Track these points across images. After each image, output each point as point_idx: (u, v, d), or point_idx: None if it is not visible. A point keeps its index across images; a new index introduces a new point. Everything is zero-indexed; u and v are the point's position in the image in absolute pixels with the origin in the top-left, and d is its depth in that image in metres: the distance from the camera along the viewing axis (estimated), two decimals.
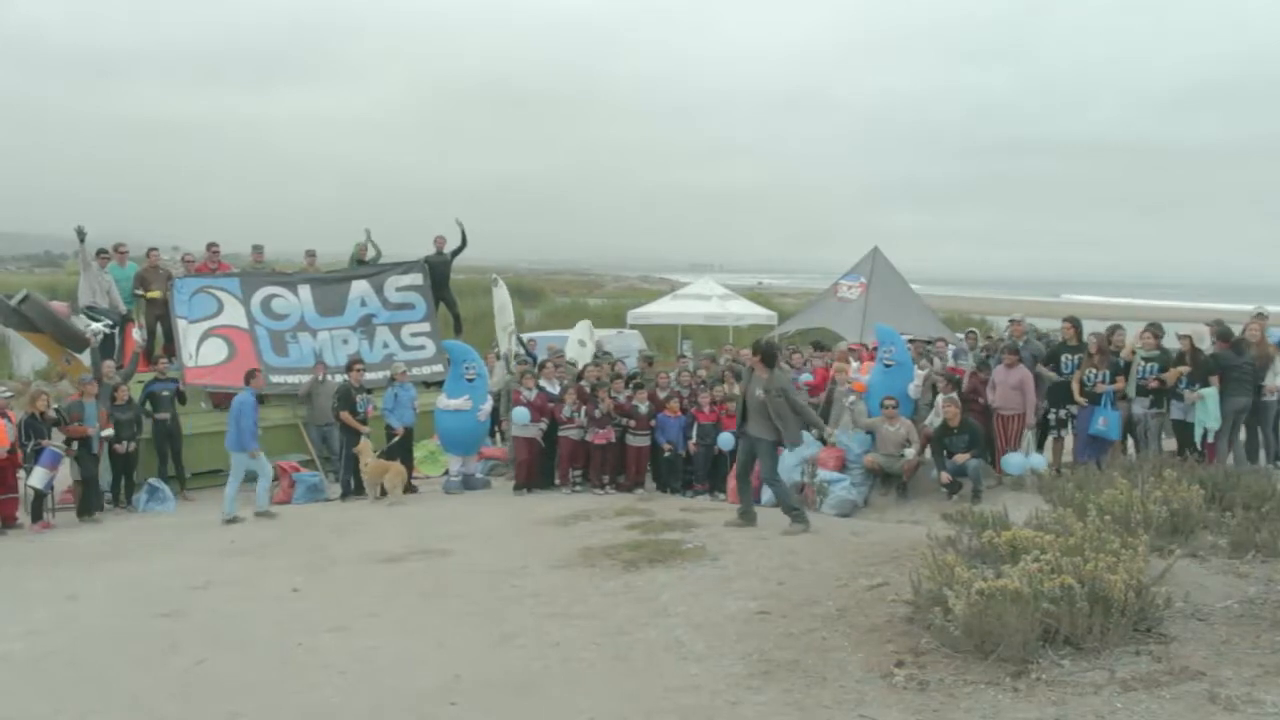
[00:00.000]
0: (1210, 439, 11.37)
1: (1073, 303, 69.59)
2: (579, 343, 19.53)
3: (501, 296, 19.02)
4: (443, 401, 14.13)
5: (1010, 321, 13.45)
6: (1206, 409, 11.24)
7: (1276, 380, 11.68)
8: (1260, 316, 12.27)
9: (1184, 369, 11.47)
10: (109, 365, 14.29)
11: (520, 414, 13.50)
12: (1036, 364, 12.40)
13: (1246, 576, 6.73)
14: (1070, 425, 12.29)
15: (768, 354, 10.29)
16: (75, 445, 12.95)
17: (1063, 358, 12.31)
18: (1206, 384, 11.32)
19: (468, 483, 14.10)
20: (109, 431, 13.29)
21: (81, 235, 15.03)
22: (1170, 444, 11.83)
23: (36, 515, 12.55)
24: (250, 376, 13.64)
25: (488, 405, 14.27)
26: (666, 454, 13.52)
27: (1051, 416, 12.37)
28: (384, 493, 13.35)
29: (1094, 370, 11.91)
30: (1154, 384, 11.63)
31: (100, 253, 15.61)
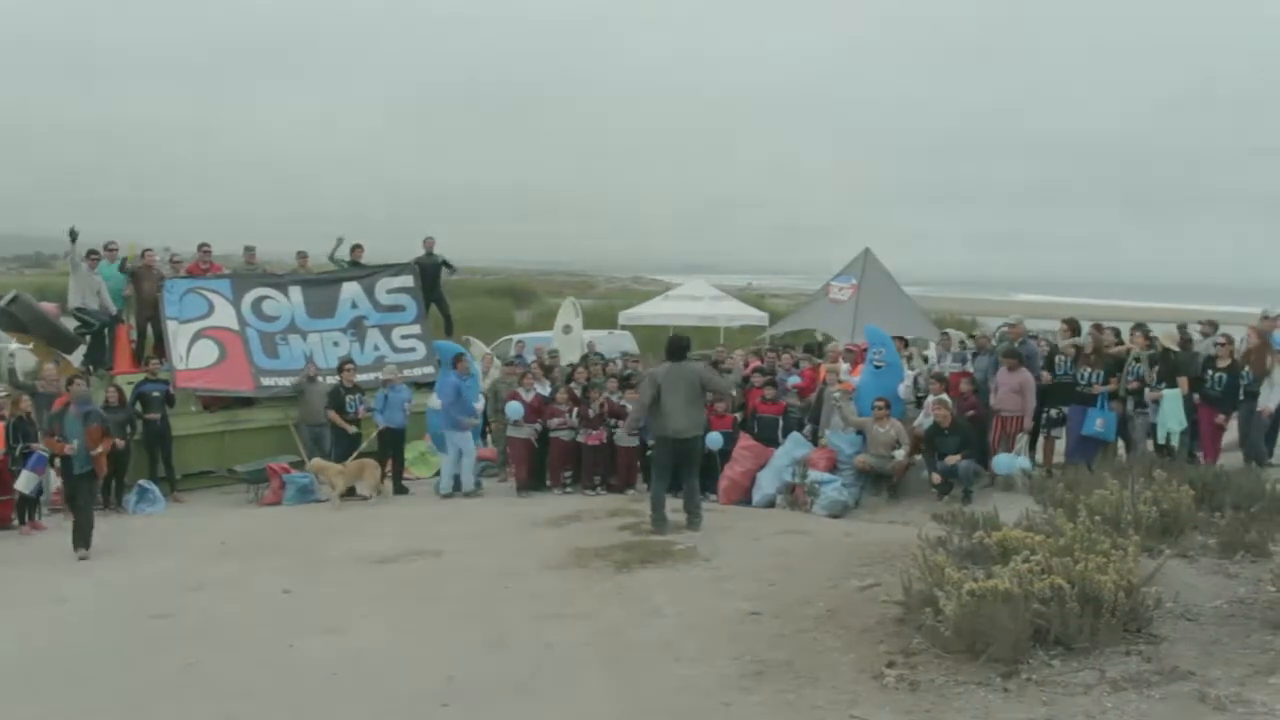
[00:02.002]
0: (1174, 440, 11.41)
1: (1022, 302, 68.63)
2: (564, 328, 19.37)
3: (477, 351, 19.16)
4: (432, 401, 14.16)
5: (1007, 324, 13.48)
6: (1167, 410, 11.28)
7: (1270, 403, 11.58)
8: (1267, 318, 12.21)
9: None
10: (50, 369, 14.12)
11: (514, 409, 13.50)
12: (1043, 372, 12.38)
13: (1236, 577, 6.75)
14: (1063, 425, 12.30)
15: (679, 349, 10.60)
16: (58, 461, 11.52)
17: (1056, 358, 12.34)
18: (1173, 385, 11.35)
19: (459, 483, 14.09)
20: (100, 450, 11.19)
21: (74, 236, 14.99)
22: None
23: (25, 516, 12.49)
24: (457, 360, 14.22)
25: (480, 403, 14.26)
26: (650, 454, 13.54)
27: (1044, 416, 12.38)
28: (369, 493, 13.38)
29: (1089, 370, 11.94)
30: (1133, 385, 11.67)
31: (90, 253, 15.56)
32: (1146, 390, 11.48)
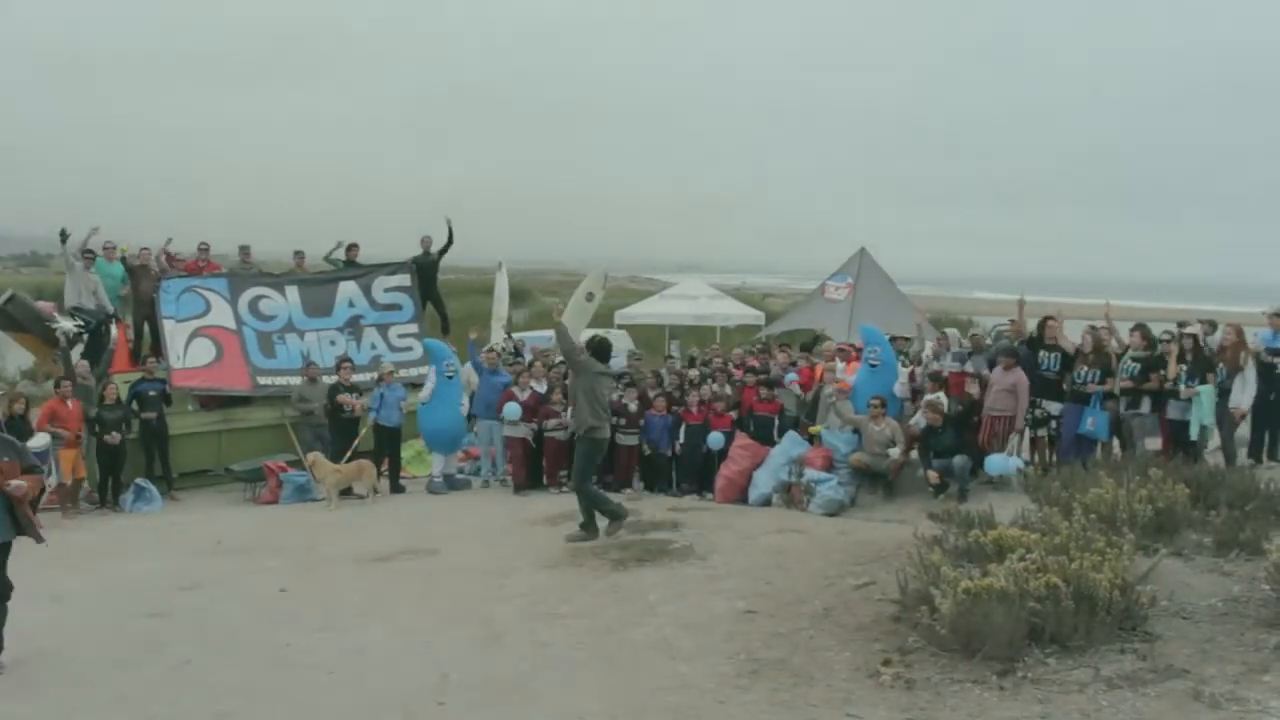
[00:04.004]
0: (1208, 437, 11.38)
1: (981, 299, 67.03)
2: (587, 295, 19.38)
3: (501, 284, 19.12)
4: (424, 394, 14.21)
5: (1010, 322, 13.42)
6: (1201, 405, 11.25)
7: (1240, 404, 11.50)
8: (1276, 316, 12.13)
9: (1176, 367, 11.49)
10: (83, 365, 14.26)
11: (512, 409, 13.50)
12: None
13: (1230, 575, 6.77)
14: (1051, 424, 12.25)
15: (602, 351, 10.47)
16: None
17: (1040, 354, 12.29)
18: (1204, 381, 11.32)
19: (451, 482, 14.09)
20: (18, 483, 7.32)
21: (64, 237, 15.03)
22: (1154, 444, 11.83)
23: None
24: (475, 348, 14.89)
25: (467, 403, 14.21)
26: (647, 453, 13.55)
27: (1029, 415, 12.32)
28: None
29: (1085, 369, 11.92)
30: (1125, 384, 11.66)
31: (87, 253, 15.57)
32: (1182, 387, 11.41)
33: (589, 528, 9.97)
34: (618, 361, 16.80)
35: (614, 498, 12.67)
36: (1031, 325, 12.82)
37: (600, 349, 10.51)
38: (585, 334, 19.03)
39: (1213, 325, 12.73)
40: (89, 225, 15.54)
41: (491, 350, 15.49)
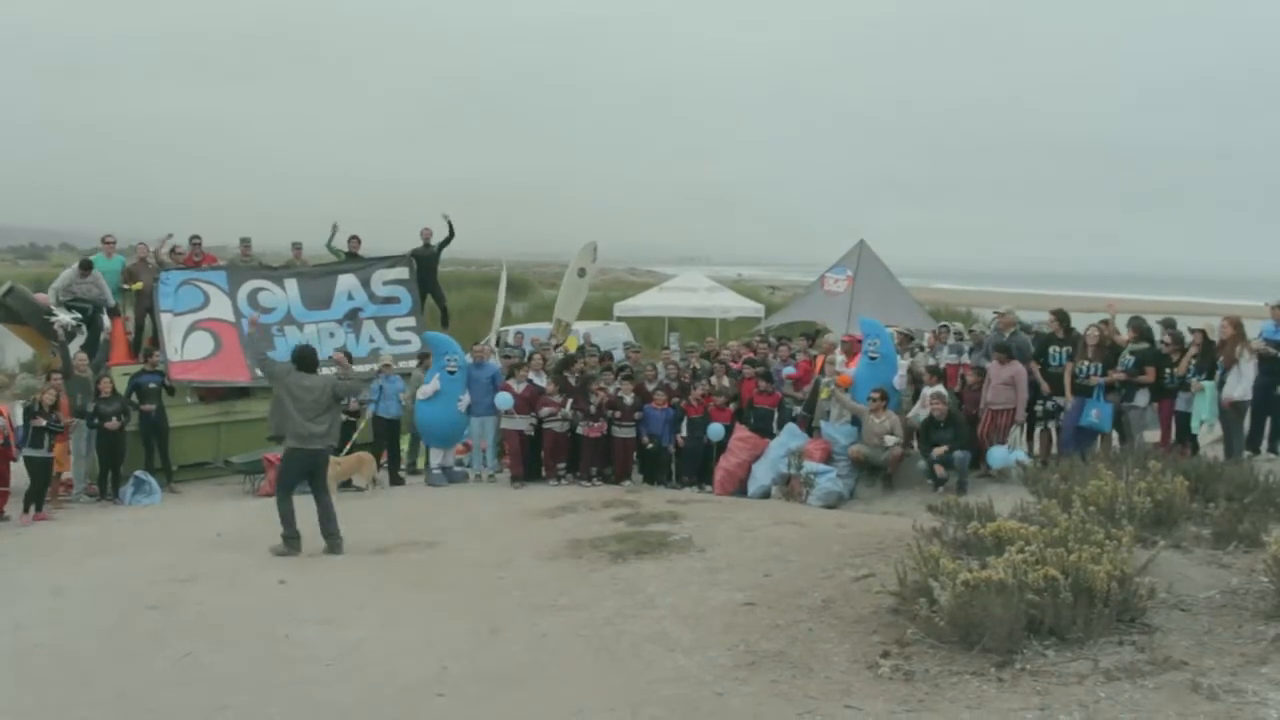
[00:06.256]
0: (1210, 431, 11.41)
1: (940, 289, 65.91)
2: (579, 271, 19.42)
3: (502, 289, 19.21)
4: (421, 391, 14.20)
5: (996, 314, 13.43)
6: (1204, 399, 11.28)
7: (1234, 393, 11.51)
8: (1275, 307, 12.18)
9: (1183, 359, 11.52)
10: (82, 357, 14.28)
11: (503, 399, 13.52)
12: (1029, 363, 12.36)
13: (1229, 567, 6.77)
14: (1058, 417, 12.30)
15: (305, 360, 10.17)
16: None
17: (1050, 350, 12.33)
18: (1210, 376, 11.35)
19: (449, 475, 14.10)
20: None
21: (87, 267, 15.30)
22: (1151, 436, 11.87)
23: (31, 506, 12.47)
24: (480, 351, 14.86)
25: (466, 397, 14.18)
26: (649, 446, 13.57)
27: (1039, 408, 12.36)
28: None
29: (1087, 363, 11.95)
30: (1120, 376, 11.69)
31: (84, 265, 15.65)
32: (1191, 380, 11.45)
33: (290, 540, 9.75)
34: (617, 355, 16.84)
35: (612, 490, 12.72)
36: (1027, 319, 12.89)
37: (300, 358, 10.16)
38: (581, 325, 19.04)
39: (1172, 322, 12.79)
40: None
41: (479, 345, 15.51)
